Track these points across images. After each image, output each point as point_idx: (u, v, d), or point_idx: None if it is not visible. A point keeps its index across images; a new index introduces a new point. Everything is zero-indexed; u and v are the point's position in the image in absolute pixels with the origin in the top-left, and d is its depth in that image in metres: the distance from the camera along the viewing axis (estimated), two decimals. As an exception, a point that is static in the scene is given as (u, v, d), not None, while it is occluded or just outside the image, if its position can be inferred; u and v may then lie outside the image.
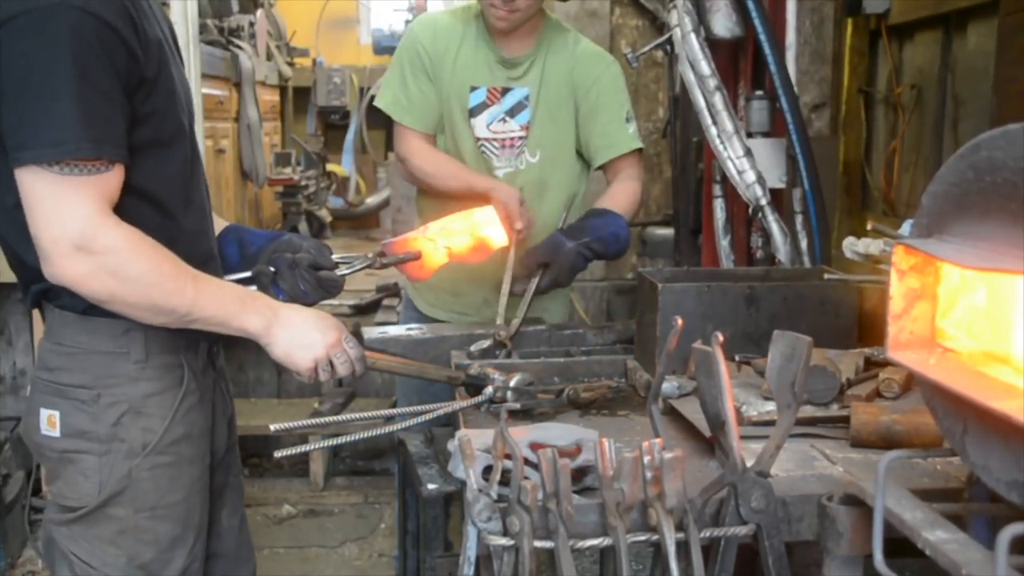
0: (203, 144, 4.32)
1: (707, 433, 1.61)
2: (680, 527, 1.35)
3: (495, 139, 2.67)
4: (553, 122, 2.67)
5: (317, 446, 2.26)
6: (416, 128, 2.68)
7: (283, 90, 7.65)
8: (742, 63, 2.77)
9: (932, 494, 1.32)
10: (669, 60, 3.90)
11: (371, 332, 2.34)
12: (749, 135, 2.68)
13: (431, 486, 1.88)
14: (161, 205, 1.69)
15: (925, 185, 1.23)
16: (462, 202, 2.49)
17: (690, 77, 2.58)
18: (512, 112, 2.66)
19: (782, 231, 2.60)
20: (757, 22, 2.58)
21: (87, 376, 1.71)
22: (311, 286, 1.92)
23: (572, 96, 2.67)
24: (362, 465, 4.85)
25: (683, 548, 1.34)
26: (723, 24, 2.62)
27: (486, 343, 2.23)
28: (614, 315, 5.06)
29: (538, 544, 1.34)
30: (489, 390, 1.90)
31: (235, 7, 6.07)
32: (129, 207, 1.61)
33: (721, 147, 2.57)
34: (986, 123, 3.04)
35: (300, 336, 1.75)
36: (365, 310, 4.98)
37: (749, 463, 1.40)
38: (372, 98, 7.00)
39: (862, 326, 2.10)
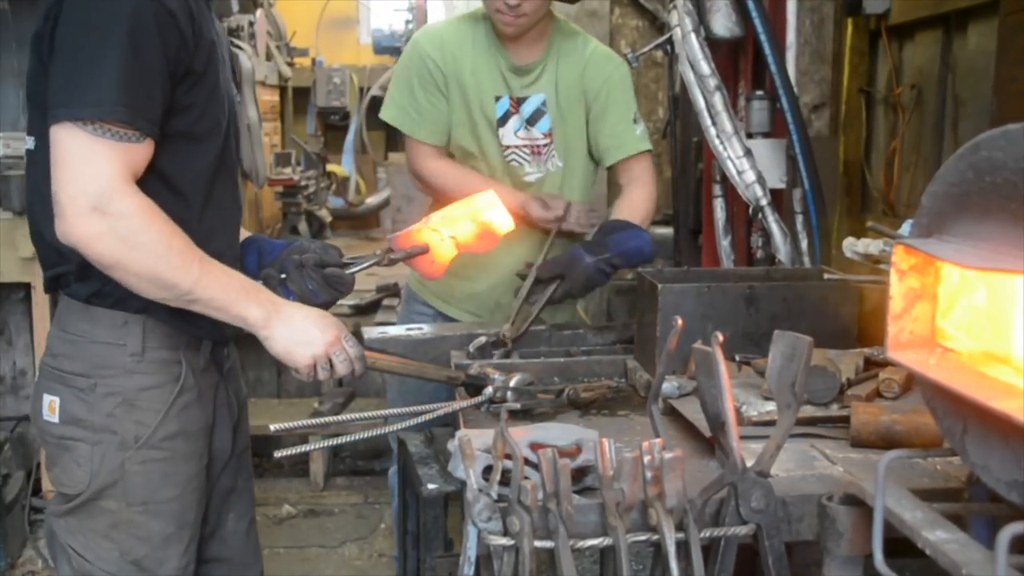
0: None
1: (707, 433, 1.61)
2: (680, 527, 1.35)
3: (525, 146, 2.67)
4: (570, 125, 2.68)
5: (317, 446, 2.25)
6: (429, 142, 2.67)
7: (283, 90, 7.64)
8: (742, 63, 2.77)
9: (932, 494, 1.32)
10: (669, 60, 3.89)
11: (371, 332, 2.33)
12: (749, 135, 2.68)
13: (431, 486, 1.88)
14: (181, 195, 1.71)
15: (925, 185, 1.23)
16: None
17: (690, 77, 2.58)
18: (532, 120, 2.66)
19: (782, 231, 2.60)
20: (757, 22, 2.58)
21: (85, 365, 1.73)
22: (318, 284, 1.92)
23: (583, 98, 2.68)
24: (362, 465, 4.85)
25: (683, 548, 1.34)
26: (723, 24, 2.61)
27: (484, 339, 2.23)
28: (614, 315, 5.05)
29: (538, 544, 1.34)
30: (489, 390, 1.90)
31: (235, 7, 6.07)
32: (150, 189, 1.64)
33: (721, 147, 2.57)
34: (986, 123, 3.04)
35: (300, 332, 1.75)
36: (365, 310, 4.97)
37: (749, 463, 1.40)
38: (372, 98, 7.01)
39: (862, 326, 2.10)
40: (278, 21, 7.62)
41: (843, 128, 4.37)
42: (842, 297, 2.09)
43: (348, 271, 1.98)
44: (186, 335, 1.78)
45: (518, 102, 2.65)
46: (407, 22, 7.11)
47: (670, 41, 2.70)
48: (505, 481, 1.38)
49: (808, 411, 1.76)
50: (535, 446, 1.48)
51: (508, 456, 1.38)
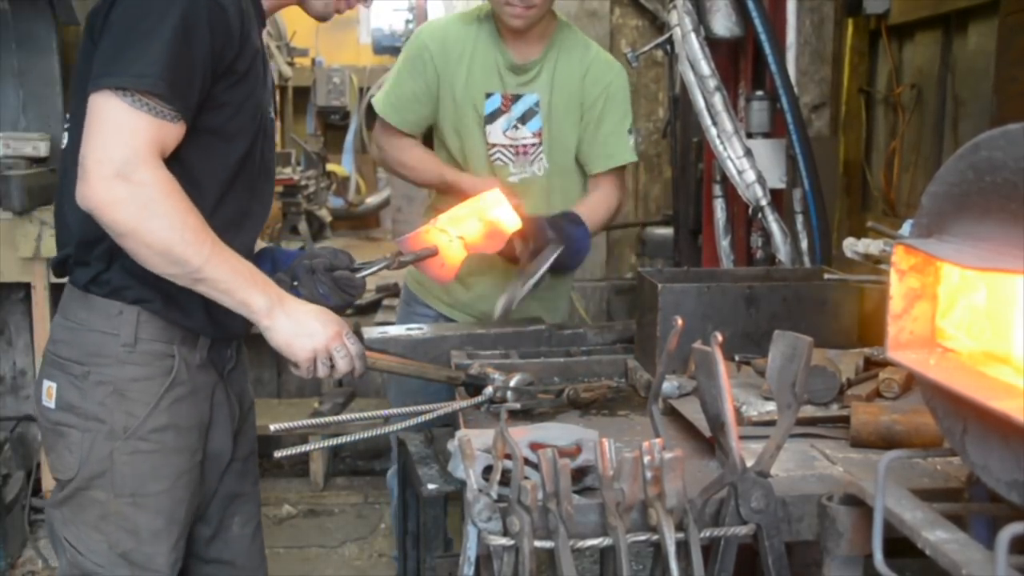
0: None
1: (707, 433, 1.61)
2: (680, 527, 1.35)
3: (511, 145, 2.67)
4: (562, 128, 2.68)
5: (317, 446, 2.25)
6: (396, 127, 2.70)
7: (283, 90, 7.65)
8: (742, 63, 2.76)
9: (932, 494, 1.32)
10: (669, 60, 3.89)
11: (371, 332, 2.33)
12: (749, 135, 2.68)
13: (431, 486, 1.88)
14: (200, 187, 1.73)
15: (925, 185, 1.23)
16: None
17: (690, 77, 2.58)
18: (523, 119, 2.66)
19: (782, 231, 2.60)
20: (757, 22, 2.58)
21: (80, 352, 1.75)
22: (329, 288, 1.92)
23: (580, 102, 2.68)
24: (362, 465, 4.84)
25: (683, 548, 1.34)
26: (723, 24, 2.61)
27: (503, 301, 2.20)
28: (614, 315, 5.05)
29: (538, 544, 1.34)
30: (489, 390, 1.90)
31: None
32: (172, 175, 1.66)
33: (721, 147, 2.57)
34: (986, 123, 3.04)
35: (301, 325, 1.75)
36: (365, 310, 4.97)
37: (749, 463, 1.40)
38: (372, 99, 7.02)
39: (862, 326, 2.10)
40: (278, 21, 7.62)
41: (843, 128, 4.37)
42: (842, 297, 2.09)
43: (358, 275, 1.99)
44: (181, 330, 1.79)
45: (512, 99, 2.65)
46: (407, 22, 7.09)
47: (670, 41, 2.70)
48: (505, 481, 1.38)
49: (808, 411, 1.76)
50: (535, 446, 1.48)
51: (508, 456, 1.39)
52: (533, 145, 2.67)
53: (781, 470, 1.55)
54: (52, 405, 1.77)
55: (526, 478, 1.36)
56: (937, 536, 1.13)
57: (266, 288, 1.74)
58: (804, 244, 2.63)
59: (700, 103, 2.58)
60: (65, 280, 1.84)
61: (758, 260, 2.76)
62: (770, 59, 2.58)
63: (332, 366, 1.79)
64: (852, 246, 2.30)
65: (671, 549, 1.32)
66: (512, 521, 1.34)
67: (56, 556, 1.85)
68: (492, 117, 2.65)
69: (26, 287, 3.94)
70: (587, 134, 2.69)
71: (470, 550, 1.40)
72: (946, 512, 1.21)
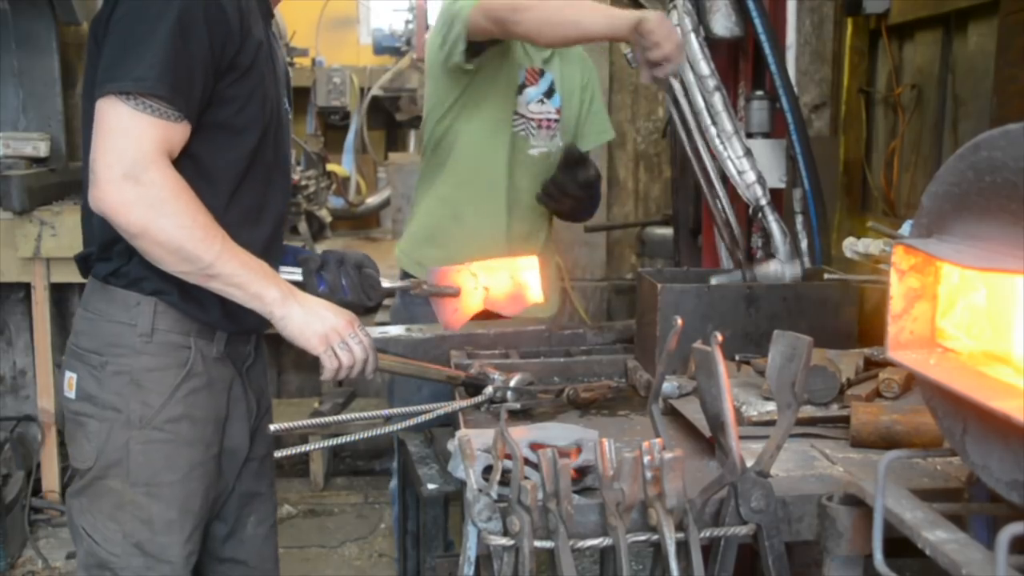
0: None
1: (707, 433, 1.61)
2: (680, 527, 1.35)
3: (535, 118, 2.74)
4: (571, 107, 2.82)
5: (317, 446, 2.26)
6: None
7: (283, 90, 7.64)
8: (742, 63, 2.76)
9: (932, 494, 1.32)
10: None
11: (371, 332, 2.33)
12: (749, 135, 2.68)
13: (431, 486, 1.88)
14: (213, 182, 1.76)
15: (925, 185, 1.23)
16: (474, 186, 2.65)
17: (690, 77, 2.58)
18: (548, 94, 2.76)
19: (782, 231, 2.60)
20: (757, 22, 2.57)
21: (99, 342, 1.79)
22: (352, 282, 1.97)
23: (580, 83, 2.82)
24: (362, 465, 4.84)
25: (683, 548, 1.34)
26: (723, 24, 2.61)
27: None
28: (614, 315, 5.05)
29: (538, 544, 1.34)
30: (489, 390, 1.90)
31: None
32: (182, 173, 1.69)
33: (721, 147, 2.57)
34: (986, 123, 3.04)
35: (314, 312, 1.78)
36: (365, 310, 4.97)
37: (749, 463, 1.40)
38: (372, 98, 7.00)
39: (862, 326, 2.10)
40: (278, 21, 7.62)
41: (843, 128, 4.36)
42: (842, 297, 2.09)
43: (383, 283, 2.04)
44: (197, 323, 1.81)
45: (538, 74, 2.74)
46: (407, 22, 7.10)
47: (670, 41, 2.70)
48: (505, 481, 1.38)
49: (808, 411, 1.76)
50: (535, 446, 1.48)
51: (508, 456, 1.39)
52: (555, 121, 2.77)
53: (781, 470, 1.55)
54: (73, 395, 1.81)
55: (526, 478, 1.36)
56: (937, 536, 1.13)
57: (278, 281, 1.77)
58: (804, 244, 2.63)
59: (700, 103, 2.58)
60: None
61: (758, 260, 2.76)
62: (770, 59, 2.58)
63: (350, 354, 1.80)
64: (852, 246, 2.31)
65: (671, 549, 1.32)
66: (512, 521, 1.34)
67: (74, 545, 1.88)
68: (522, 88, 2.72)
69: (26, 287, 3.94)
70: (583, 111, 2.85)
71: (470, 550, 1.40)
72: (946, 512, 1.21)
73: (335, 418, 1.98)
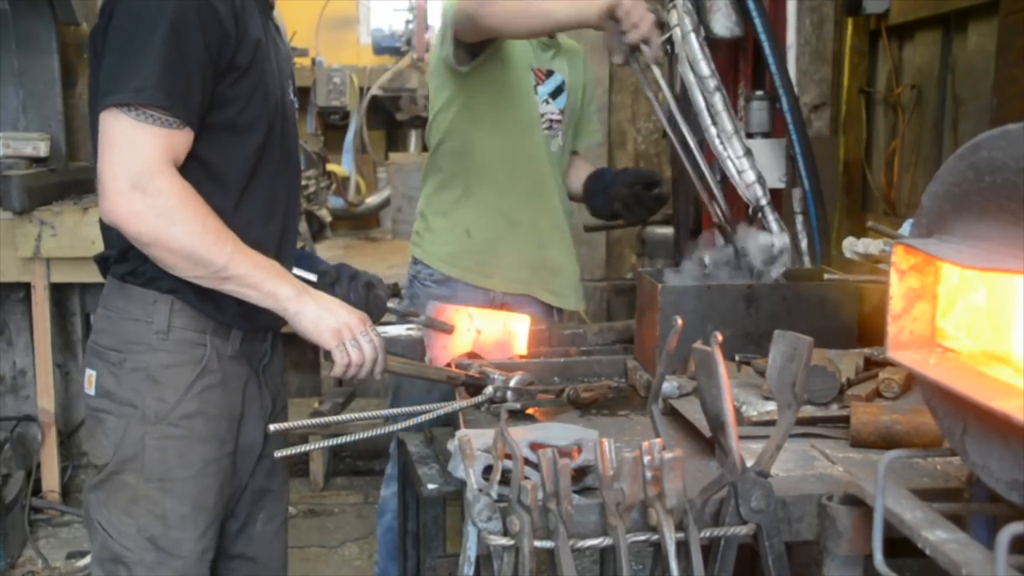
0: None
1: (707, 433, 1.61)
2: (680, 527, 1.35)
3: (545, 117, 2.77)
4: (575, 109, 2.83)
5: (317, 446, 2.26)
6: None
7: (283, 90, 7.63)
8: (742, 63, 2.76)
9: (932, 494, 1.32)
10: (669, 60, 3.89)
11: (371, 332, 2.33)
12: (749, 135, 2.68)
13: (431, 486, 1.88)
14: (222, 183, 1.79)
15: (925, 185, 1.23)
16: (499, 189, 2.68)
17: (690, 77, 2.58)
18: (554, 95, 2.77)
19: (782, 231, 2.60)
20: (757, 22, 2.57)
21: (117, 340, 1.82)
22: (360, 298, 2.00)
23: (581, 84, 2.85)
24: (362, 465, 4.84)
25: (683, 548, 1.34)
26: (723, 24, 2.61)
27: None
28: (614, 315, 5.05)
29: (538, 544, 1.34)
30: (489, 390, 1.90)
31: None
32: (190, 176, 1.71)
33: (721, 147, 2.57)
34: (986, 123, 3.04)
35: (327, 308, 1.80)
36: (365, 310, 4.97)
37: (749, 463, 1.40)
38: (372, 98, 7.00)
39: (862, 326, 2.10)
40: (278, 21, 7.62)
41: (843, 128, 4.37)
42: (842, 297, 2.09)
43: (389, 303, 2.09)
44: (213, 321, 1.83)
45: (545, 74, 2.75)
46: (407, 22, 7.10)
47: (670, 41, 2.70)
48: (505, 481, 1.38)
49: (808, 411, 1.76)
50: (535, 446, 1.48)
51: (508, 456, 1.39)
52: (558, 122, 2.79)
53: (781, 470, 1.55)
54: (92, 392, 1.83)
55: (526, 478, 1.36)
56: (937, 536, 1.13)
57: (291, 279, 1.80)
58: (804, 244, 2.63)
59: (700, 103, 2.58)
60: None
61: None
62: (770, 59, 2.58)
63: (361, 351, 1.82)
64: (852, 246, 2.30)
65: (671, 549, 1.32)
66: (512, 521, 1.34)
67: (89, 539, 1.91)
68: (534, 88, 2.74)
69: (26, 287, 3.94)
70: (580, 111, 2.88)
71: (470, 550, 1.40)
72: (946, 512, 1.21)
73: (335, 418, 1.99)
